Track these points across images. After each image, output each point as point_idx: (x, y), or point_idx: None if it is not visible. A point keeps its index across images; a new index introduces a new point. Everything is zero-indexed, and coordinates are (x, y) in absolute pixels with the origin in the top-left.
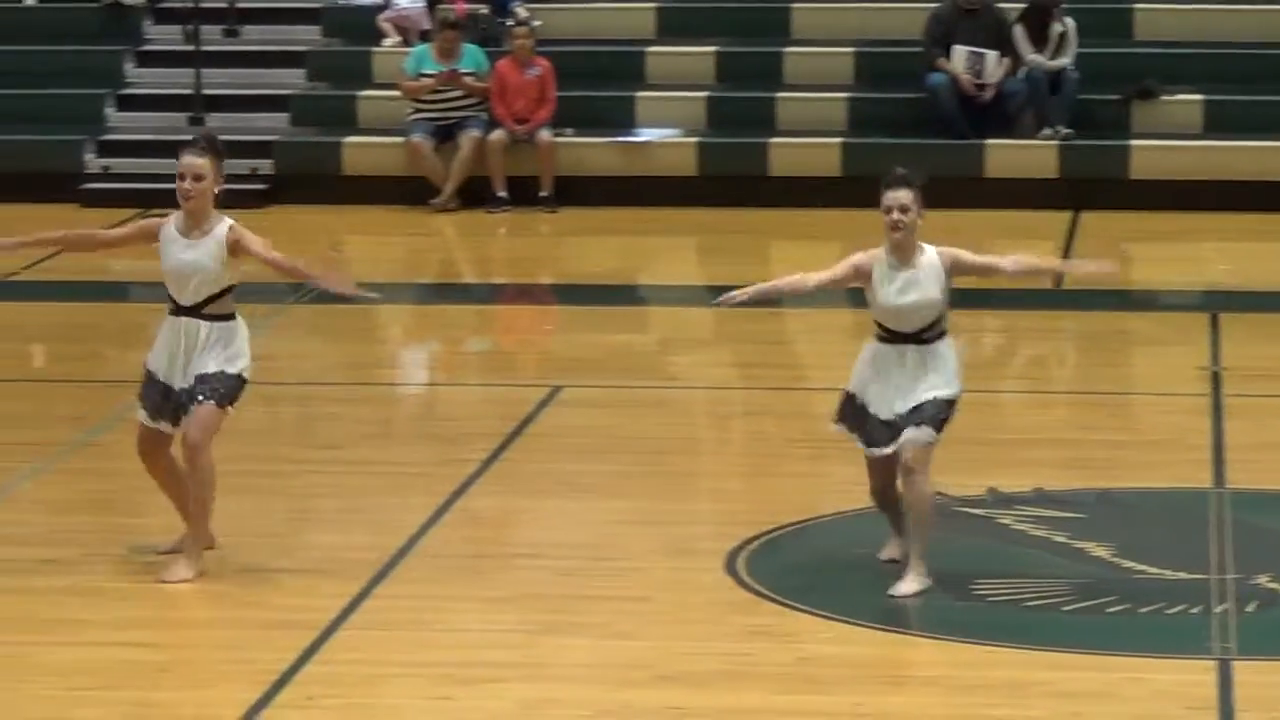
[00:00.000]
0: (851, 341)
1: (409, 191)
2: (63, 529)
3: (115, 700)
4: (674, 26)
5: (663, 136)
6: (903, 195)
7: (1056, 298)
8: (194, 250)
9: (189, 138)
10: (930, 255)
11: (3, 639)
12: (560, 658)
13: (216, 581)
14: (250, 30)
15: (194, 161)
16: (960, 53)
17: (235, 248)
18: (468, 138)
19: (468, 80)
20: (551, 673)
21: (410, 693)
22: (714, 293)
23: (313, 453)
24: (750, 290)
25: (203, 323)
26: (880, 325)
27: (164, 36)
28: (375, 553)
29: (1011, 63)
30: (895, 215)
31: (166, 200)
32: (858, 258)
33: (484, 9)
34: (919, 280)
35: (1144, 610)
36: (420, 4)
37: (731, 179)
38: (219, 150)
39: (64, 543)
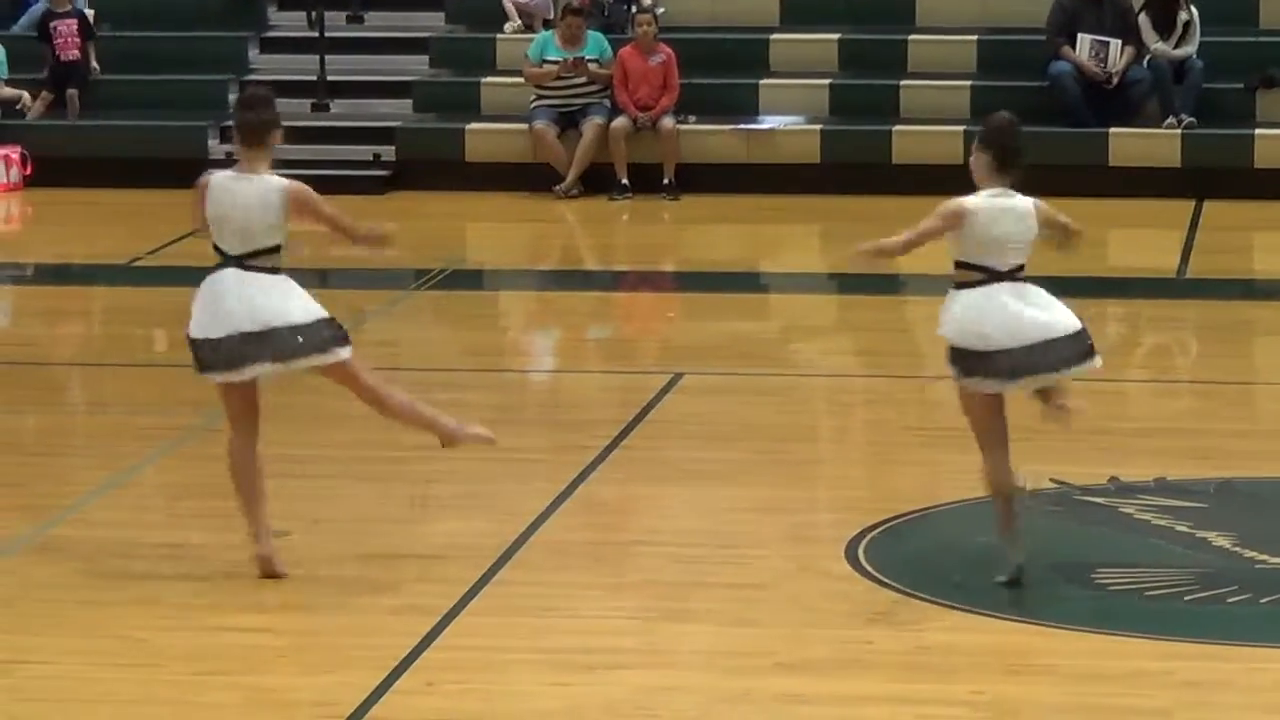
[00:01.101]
0: None
1: (532, 178)
2: (184, 514)
3: (236, 685)
4: (798, 14)
5: (786, 124)
6: None
7: (1180, 287)
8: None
9: (313, 124)
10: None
11: (127, 624)
12: (680, 644)
13: (337, 567)
14: (373, 17)
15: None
16: (1084, 41)
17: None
18: (591, 124)
19: (591, 67)
20: (671, 659)
21: (530, 678)
22: (836, 281)
23: (434, 439)
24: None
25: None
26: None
27: (288, 23)
28: (496, 539)
29: (1135, 51)
30: None
31: None
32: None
33: None
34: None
35: (1265, 600)
36: None
37: (854, 166)
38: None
39: (185, 528)
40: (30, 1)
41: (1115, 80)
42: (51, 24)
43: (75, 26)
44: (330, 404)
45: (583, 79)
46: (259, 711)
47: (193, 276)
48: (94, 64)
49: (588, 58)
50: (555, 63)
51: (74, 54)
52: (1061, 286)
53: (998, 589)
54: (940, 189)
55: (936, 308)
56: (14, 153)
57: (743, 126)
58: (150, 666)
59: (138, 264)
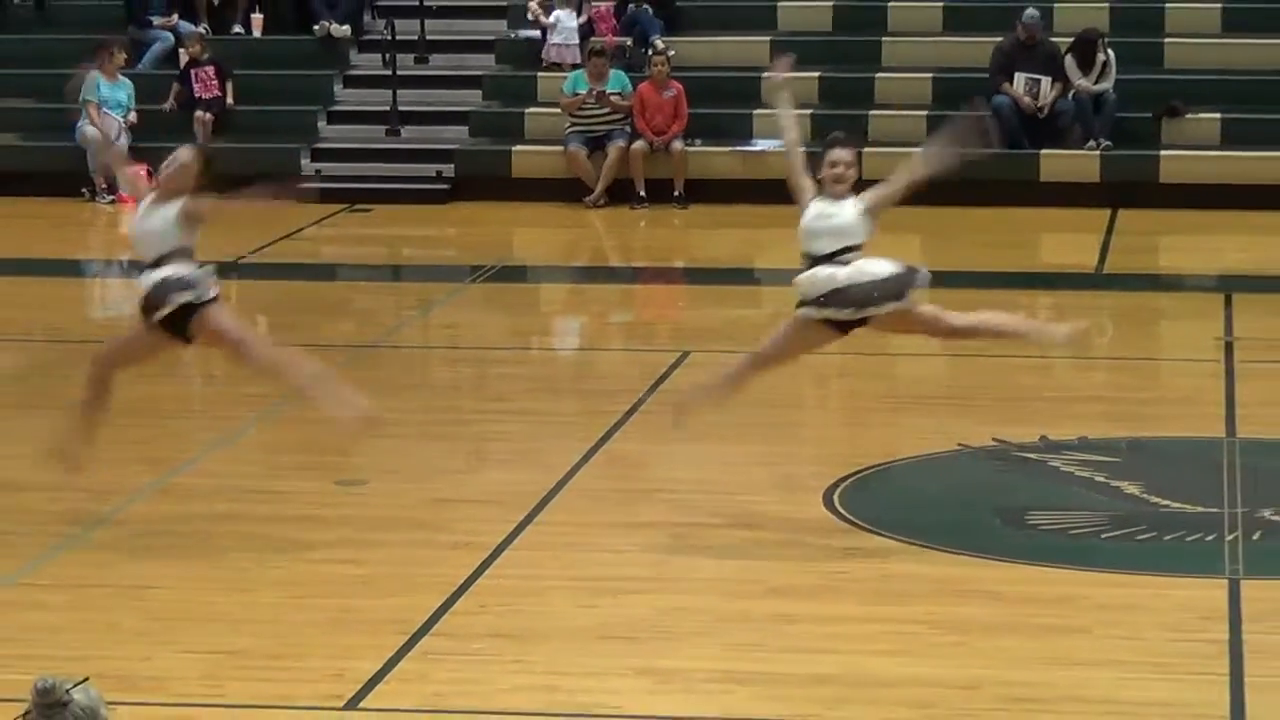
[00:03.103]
0: None
1: (566, 191)
2: (280, 466)
3: (326, 607)
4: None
5: (774, 147)
6: (848, 154)
7: (1098, 281)
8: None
9: (387, 147)
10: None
11: (234, 557)
12: (688, 574)
13: (408, 510)
14: (437, 58)
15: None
16: (1020, 79)
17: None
18: (614, 147)
19: (614, 99)
20: (680, 586)
21: (564, 602)
22: None
23: (487, 404)
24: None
25: None
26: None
27: (366, 63)
28: (536, 486)
29: (1062, 86)
30: (841, 169)
31: (366, 196)
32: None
33: (629, 41)
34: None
35: (1168, 538)
36: (575, 40)
37: None
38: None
39: (281, 477)
40: (146, 44)
41: (1045, 110)
42: (192, 70)
43: (213, 72)
44: (402, 377)
45: (607, 109)
46: (344, 628)
47: (286, 273)
48: (229, 99)
49: (611, 92)
50: (584, 95)
51: (214, 93)
52: (1000, 280)
53: (948, 529)
54: (904, 199)
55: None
56: (142, 170)
57: (739, 149)
58: (253, 591)
59: (243, 261)
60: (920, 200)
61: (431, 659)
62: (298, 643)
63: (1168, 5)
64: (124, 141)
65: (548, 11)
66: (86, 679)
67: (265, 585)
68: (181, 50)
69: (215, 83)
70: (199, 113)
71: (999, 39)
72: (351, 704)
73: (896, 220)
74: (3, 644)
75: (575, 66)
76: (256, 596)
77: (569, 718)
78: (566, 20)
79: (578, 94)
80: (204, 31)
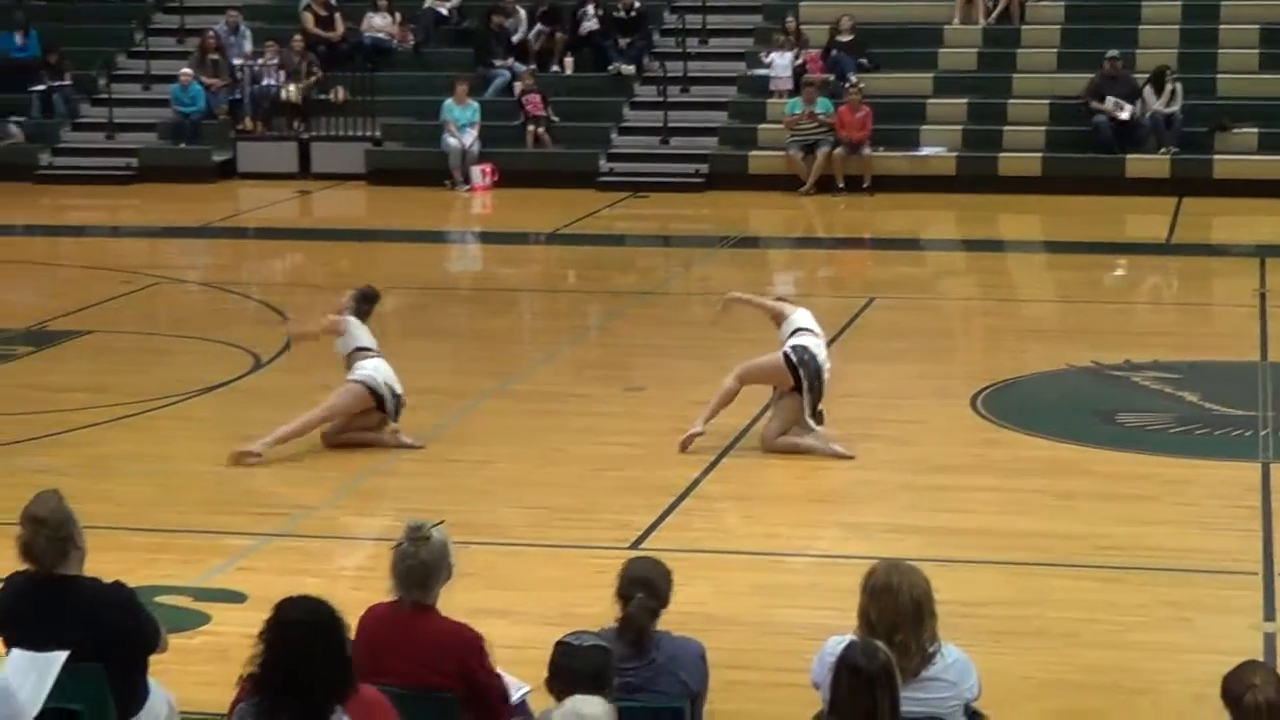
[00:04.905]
0: (1048, 271)
1: (787, 183)
2: (587, 378)
3: (616, 476)
4: (943, 86)
5: (935, 152)
6: None
7: (1167, 249)
8: None
9: (659, 151)
10: None
11: (551, 439)
12: (870, 455)
13: (675, 407)
14: (696, 89)
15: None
16: (1110, 102)
17: None
18: (821, 152)
19: (821, 117)
20: (864, 464)
21: (781, 474)
22: (966, 245)
23: (730, 334)
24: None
25: None
26: None
27: (646, 93)
28: (764, 392)
29: (1142, 108)
30: None
31: (645, 186)
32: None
33: (832, 76)
34: None
35: (1218, 433)
36: (788, 73)
37: (975, 177)
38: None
39: (583, 385)
40: (490, 79)
41: (1129, 125)
42: (524, 96)
43: (539, 99)
44: (671, 315)
45: (816, 125)
46: (629, 492)
47: (590, 241)
48: (553, 117)
49: (819, 112)
50: (800, 115)
51: (539, 113)
52: (1098, 248)
53: (1059, 424)
54: (1027, 190)
55: (1026, 259)
56: (489, 167)
57: (910, 154)
58: (566, 466)
59: (559, 232)
60: (1040, 190)
61: (690, 514)
62: (596, 501)
63: (1219, 50)
64: (475, 148)
65: (768, 55)
66: (441, 522)
67: (574, 461)
68: (516, 83)
69: (540, 106)
70: (531, 127)
71: (1093, 75)
72: (634, 545)
73: (1022, 205)
74: (385, 500)
75: (792, 94)
76: (567, 469)
77: (785, 555)
78: (780, 60)
79: (795, 114)
80: (532, 69)
